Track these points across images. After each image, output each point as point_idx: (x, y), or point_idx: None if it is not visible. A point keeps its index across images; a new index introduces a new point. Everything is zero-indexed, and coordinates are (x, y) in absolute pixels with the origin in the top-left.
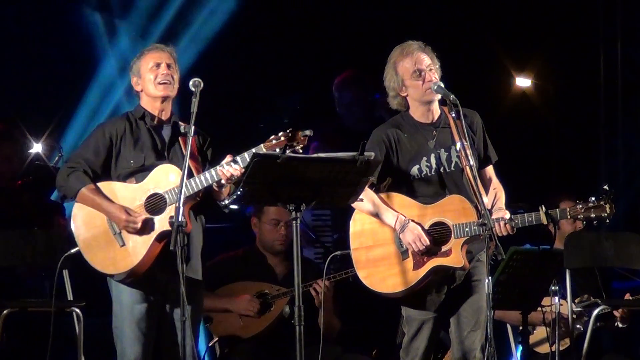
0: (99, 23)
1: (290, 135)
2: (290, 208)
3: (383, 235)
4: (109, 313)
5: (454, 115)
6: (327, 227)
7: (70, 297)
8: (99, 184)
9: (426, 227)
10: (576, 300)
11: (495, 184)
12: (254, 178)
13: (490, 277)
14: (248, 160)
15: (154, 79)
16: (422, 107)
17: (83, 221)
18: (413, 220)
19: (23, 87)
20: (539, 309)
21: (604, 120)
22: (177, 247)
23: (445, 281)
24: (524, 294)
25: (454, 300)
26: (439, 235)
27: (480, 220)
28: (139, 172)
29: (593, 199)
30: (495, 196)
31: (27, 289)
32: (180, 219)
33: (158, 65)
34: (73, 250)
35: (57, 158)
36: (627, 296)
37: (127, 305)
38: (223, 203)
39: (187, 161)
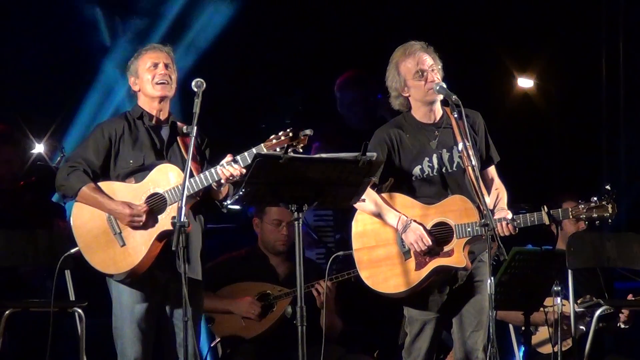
0: (102, 24)
1: (291, 134)
2: (292, 208)
3: (385, 236)
4: (111, 313)
5: (456, 115)
6: (329, 227)
7: (72, 297)
8: (99, 184)
9: (428, 228)
10: (578, 301)
11: (497, 184)
12: (256, 178)
13: (492, 278)
14: (248, 159)
15: (151, 79)
16: (424, 107)
17: (83, 221)
18: (415, 221)
19: (25, 88)
20: (542, 309)
21: (606, 120)
22: (179, 247)
23: (448, 281)
24: (527, 294)
25: (456, 300)
26: (441, 235)
27: (483, 221)
28: (138, 171)
29: (595, 199)
30: (497, 196)
31: (30, 290)
32: (182, 219)
33: (156, 65)
34: (73, 250)
35: (59, 158)
36: (630, 297)
37: (127, 305)
38: (225, 203)
39: (189, 161)
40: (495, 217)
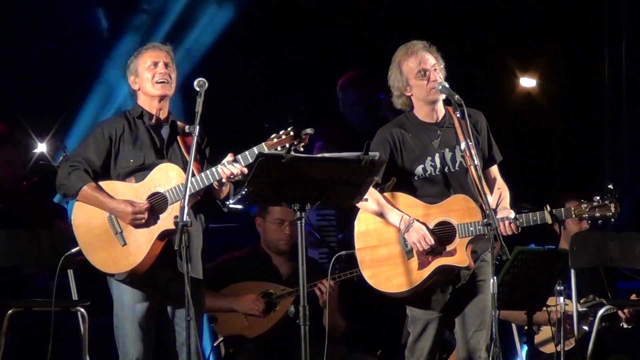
0: (104, 23)
1: (292, 133)
2: (295, 208)
3: (388, 235)
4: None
5: (458, 115)
6: (331, 227)
7: (75, 296)
8: (100, 183)
9: (431, 227)
10: (581, 301)
11: (500, 183)
12: (259, 177)
13: (495, 277)
14: (249, 159)
15: (151, 78)
16: (426, 106)
17: (84, 220)
18: (418, 220)
19: (28, 87)
20: (544, 308)
21: (608, 120)
22: (181, 247)
23: (450, 281)
24: (529, 294)
25: (459, 300)
26: (443, 234)
27: (485, 220)
28: (139, 171)
29: (598, 198)
30: (499, 196)
31: (33, 289)
32: (185, 219)
33: (156, 64)
34: (74, 250)
35: (61, 158)
36: (634, 297)
37: (129, 305)
38: (227, 202)
39: (192, 161)
40: (497, 217)
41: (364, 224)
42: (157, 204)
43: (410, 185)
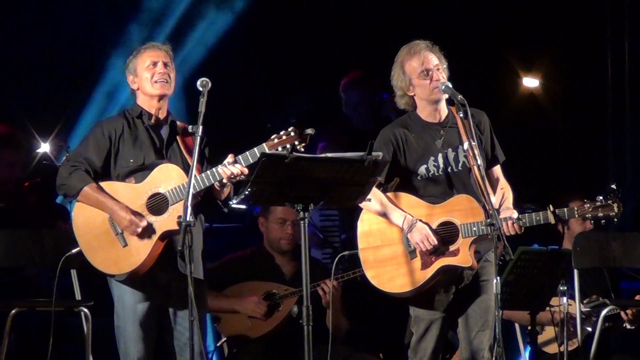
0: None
1: (292, 134)
2: (298, 208)
3: (391, 235)
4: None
5: (461, 115)
6: (335, 227)
7: (78, 296)
8: (100, 184)
9: (434, 227)
10: (585, 301)
11: (503, 183)
12: (262, 178)
13: (498, 277)
14: (250, 159)
15: (150, 78)
16: (429, 106)
17: (84, 221)
18: (421, 220)
19: (31, 87)
20: (548, 308)
21: (611, 120)
22: (184, 247)
23: (454, 281)
24: (532, 294)
25: (462, 300)
26: (446, 234)
27: (488, 220)
28: (139, 171)
29: (601, 198)
30: (502, 196)
31: (36, 289)
32: (188, 219)
33: (155, 64)
34: (74, 251)
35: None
36: (638, 297)
37: (130, 305)
38: (230, 203)
39: (195, 161)
40: (501, 217)
41: (367, 224)
42: (157, 205)
43: (413, 185)
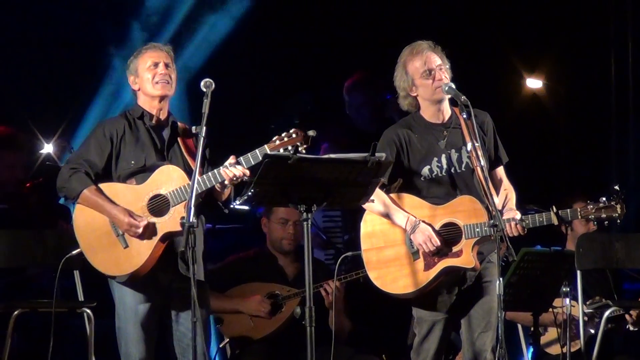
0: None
1: (293, 136)
2: (301, 209)
3: (394, 236)
4: None
5: (464, 115)
6: (338, 228)
7: (81, 297)
8: (101, 185)
9: (437, 228)
10: (587, 302)
11: (506, 184)
12: (265, 178)
13: (501, 279)
14: (252, 161)
15: (151, 79)
16: (432, 106)
17: (85, 222)
18: (424, 221)
19: (34, 88)
20: (550, 310)
21: (615, 121)
22: (188, 248)
23: (456, 282)
24: (535, 295)
25: (465, 301)
26: (449, 235)
27: (492, 222)
28: (140, 172)
29: (604, 199)
30: (506, 197)
31: (39, 290)
32: (191, 220)
33: (156, 64)
34: (75, 252)
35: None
36: None
37: (131, 306)
38: (234, 203)
39: (199, 162)
40: (504, 218)
41: (370, 225)
42: (158, 207)
43: (416, 186)
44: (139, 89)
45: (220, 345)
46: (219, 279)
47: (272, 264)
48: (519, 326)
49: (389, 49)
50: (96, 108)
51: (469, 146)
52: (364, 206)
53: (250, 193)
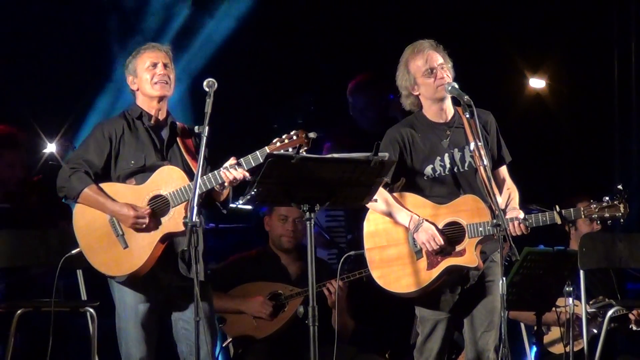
0: (113, 23)
1: (294, 137)
2: (305, 208)
3: (397, 235)
4: None
5: (467, 115)
6: (341, 227)
7: (84, 297)
8: (101, 185)
9: (440, 227)
10: (591, 302)
11: (509, 184)
12: (268, 178)
13: (504, 278)
14: (252, 163)
15: (150, 79)
16: (434, 105)
17: (85, 222)
18: (427, 220)
19: (37, 87)
20: (554, 309)
21: (618, 120)
22: (190, 247)
23: (459, 281)
24: (538, 294)
25: (467, 300)
26: (452, 235)
27: (495, 221)
28: (139, 172)
29: (607, 198)
30: (509, 196)
31: (42, 289)
32: (194, 219)
33: (155, 65)
34: (74, 252)
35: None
36: None
37: (131, 306)
38: (238, 203)
39: (202, 161)
40: (507, 217)
41: (373, 224)
42: (158, 207)
43: (419, 186)
44: (137, 89)
45: (223, 345)
46: (222, 278)
47: (274, 263)
48: (522, 325)
49: (392, 50)
50: (99, 108)
51: (472, 145)
52: (367, 205)
53: (253, 192)
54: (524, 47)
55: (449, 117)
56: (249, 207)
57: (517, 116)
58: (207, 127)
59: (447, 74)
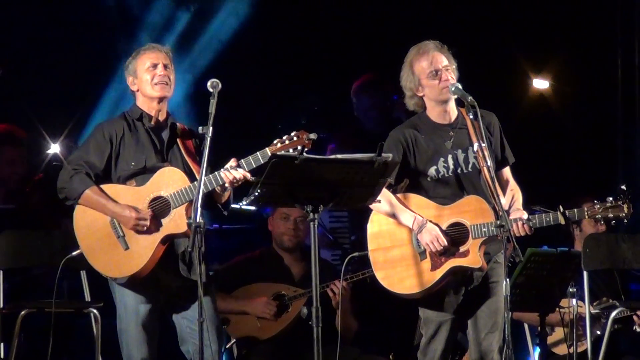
0: (118, 24)
1: (295, 139)
2: (308, 209)
3: (401, 236)
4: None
5: (471, 116)
6: (344, 228)
7: (87, 297)
8: (102, 186)
9: (444, 228)
10: (594, 303)
11: (513, 185)
12: (272, 179)
13: (508, 279)
14: (253, 164)
15: (150, 80)
16: (438, 107)
17: (85, 224)
18: (431, 221)
19: (41, 88)
20: (557, 310)
21: (621, 121)
22: (195, 248)
23: (463, 282)
24: (542, 295)
25: (471, 301)
26: (456, 235)
27: (498, 222)
28: (140, 174)
29: (611, 199)
30: (512, 197)
31: (45, 290)
32: (198, 220)
33: (155, 65)
34: (75, 253)
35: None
36: None
37: (132, 307)
38: (241, 204)
39: (205, 162)
40: (510, 218)
41: (377, 225)
42: (159, 208)
43: (422, 187)
44: (137, 90)
45: (227, 346)
46: (226, 279)
47: (278, 264)
48: (526, 326)
49: (397, 50)
50: (103, 108)
51: (476, 146)
52: (371, 206)
53: (256, 193)
54: (528, 47)
55: (453, 119)
56: (252, 208)
57: (520, 117)
58: (211, 128)
59: (451, 75)
